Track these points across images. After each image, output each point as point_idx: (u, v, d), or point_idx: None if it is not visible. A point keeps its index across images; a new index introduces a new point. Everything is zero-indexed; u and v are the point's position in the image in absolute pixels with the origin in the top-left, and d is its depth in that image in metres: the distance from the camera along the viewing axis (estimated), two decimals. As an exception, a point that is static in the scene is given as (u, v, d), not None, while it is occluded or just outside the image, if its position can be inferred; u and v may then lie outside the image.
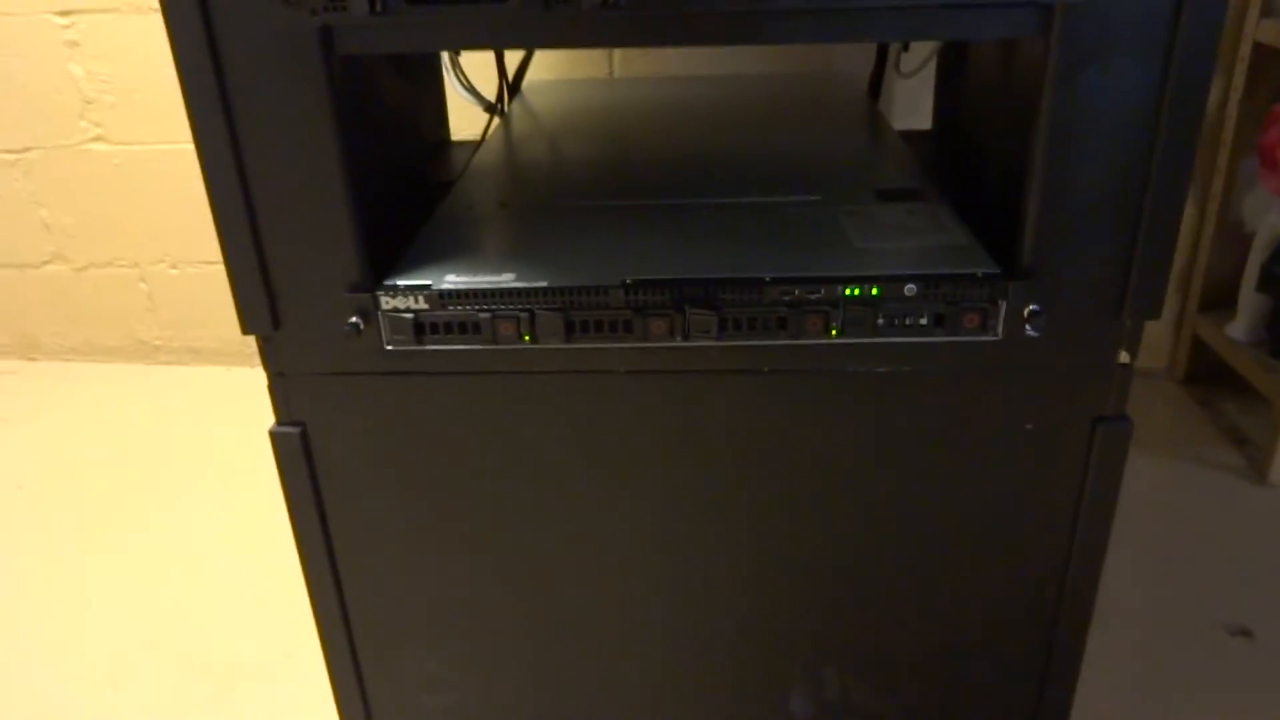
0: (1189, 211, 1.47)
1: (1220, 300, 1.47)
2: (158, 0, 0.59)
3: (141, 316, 1.72)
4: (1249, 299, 1.36)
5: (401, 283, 0.68)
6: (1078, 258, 0.65)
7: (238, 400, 1.59)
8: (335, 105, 0.62)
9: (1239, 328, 1.39)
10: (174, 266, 1.67)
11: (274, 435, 0.74)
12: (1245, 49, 1.32)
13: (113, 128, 1.56)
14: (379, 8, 0.56)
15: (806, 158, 0.93)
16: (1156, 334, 1.56)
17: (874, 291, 0.65)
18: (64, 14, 1.48)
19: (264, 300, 0.68)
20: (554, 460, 0.74)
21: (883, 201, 0.80)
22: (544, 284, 0.67)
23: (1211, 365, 1.50)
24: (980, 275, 0.66)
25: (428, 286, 0.67)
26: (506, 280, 0.68)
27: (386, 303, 0.68)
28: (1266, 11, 1.29)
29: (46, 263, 1.69)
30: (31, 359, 1.78)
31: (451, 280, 0.68)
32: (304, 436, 0.74)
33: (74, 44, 1.50)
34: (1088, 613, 0.78)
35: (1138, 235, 0.64)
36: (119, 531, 1.29)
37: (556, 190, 0.87)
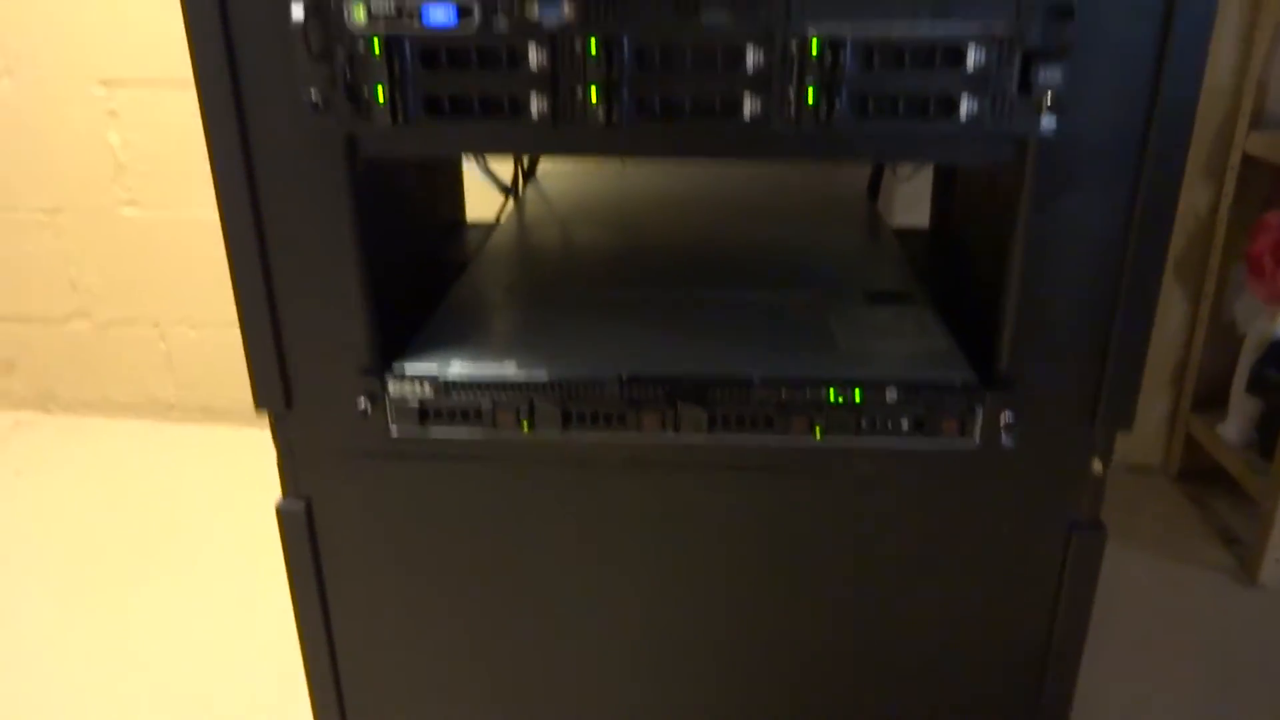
0: (1182, 311, 1.50)
1: (1213, 399, 1.49)
2: (198, 101, 0.64)
3: (159, 375, 1.76)
4: (1240, 400, 1.39)
5: (409, 369, 0.72)
6: (1052, 370, 0.68)
7: (246, 461, 1.62)
8: (356, 203, 0.66)
9: (1231, 428, 1.42)
10: (194, 327, 1.71)
11: (280, 509, 0.77)
12: (1235, 158, 1.37)
13: (143, 193, 1.62)
14: (401, 119, 0.61)
15: (803, 254, 0.97)
16: (1151, 431, 1.58)
17: (857, 396, 0.69)
18: (106, 84, 1.54)
19: (278, 379, 0.72)
20: (548, 543, 0.77)
21: (871, 304, 0.83)
22: (543, 376, 0.70)
23: (1205, 463, 1.52)
24: (959, 383, 0.69)
25: (433, 375, 0.71)
26: (508, 371, 0.71)
27: (394, 388, 0.71)
28: (1255, 124, 1.34)
29: (71, 319, 1.74)
30: (48, 412, 1.82)
31: (456, 369, 0.72)
32: (309, 511, 0.77)
33: (113, 113, 1.56)
34: (1065, 714, 0.80)
35: (1109, 349, 0.67)
36: (123, 588, 1.32)
37: (562, 277, 0.91)
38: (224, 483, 1.57)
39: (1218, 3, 0.57)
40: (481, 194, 1.18)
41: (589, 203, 1.17)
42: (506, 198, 1.20)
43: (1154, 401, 1.56)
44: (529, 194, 1.22)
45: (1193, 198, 1.43)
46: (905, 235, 1.07)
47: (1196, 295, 1.49)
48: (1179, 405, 1.55)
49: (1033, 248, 0.65)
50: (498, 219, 1.16)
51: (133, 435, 1.76)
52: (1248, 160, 1.35)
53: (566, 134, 0.61)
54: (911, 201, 1.32)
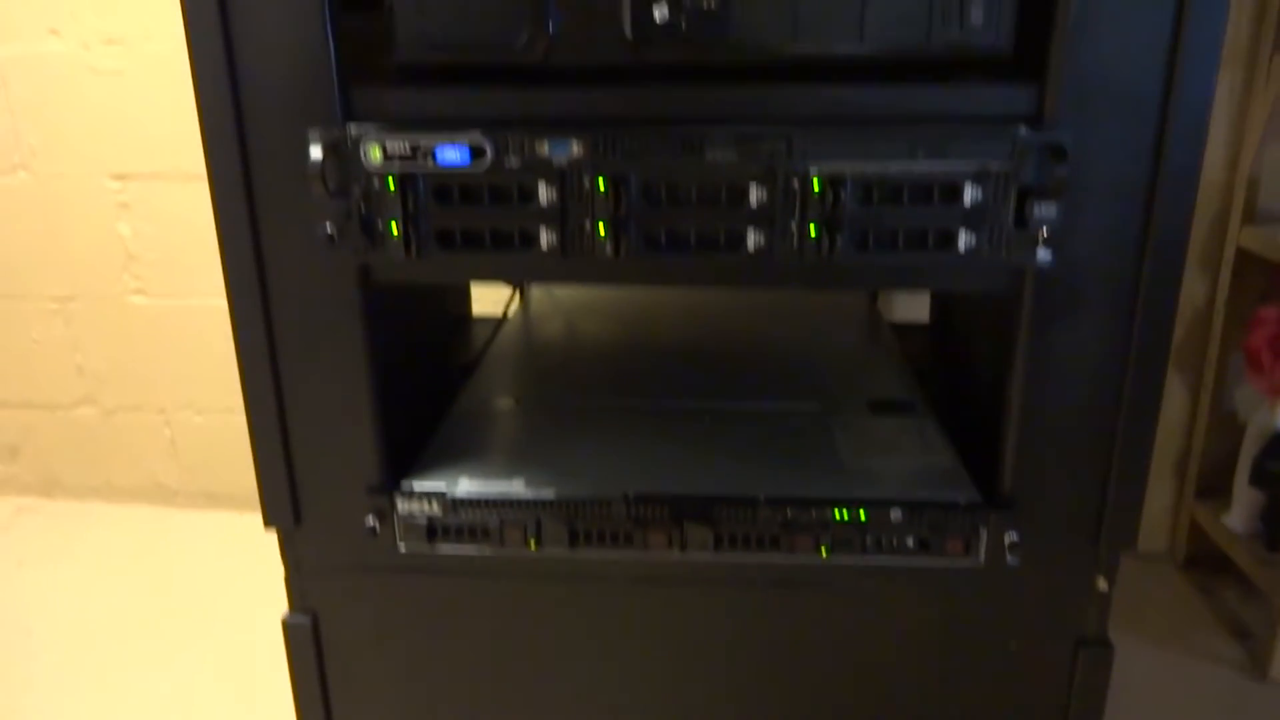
0: (1183, 400, 1.51)
1: (1218, 485, 1.49)
2: (216, 236, 0.66)
3: (163, 461, 1.77)
4: (1244, 491, 1.39)
5: (418, 486, 0.72)
6: (1055, 489, 0.69)
7: (248, 548, 1.62)
8: (368, 327, 0.67)
9: (1235, 518, 1.41)
10: (199, 413, 1.72)
11: (286, 623, 0.77)
12: (1229, 252, 1.39)
13: (153, 282, 1.64)
14: (414, 252, 0.63)
15: (805, 356, 0.98)
16: (1155, 518, 1.58)
17: (861, 516, 0.69)
18: (119, 178, 1.58)
19: (288, 497, 0.72)
20: (555, 657, 0.77)
21: (875, 414, 0.84)
22: (550, 495, 0.71)
23: (1211, 551, 1.51)
24: (962, 503, 0.69)
25: (441, 493, 0.72)
26: (515, 489, 0.72)
27: (402, 506, 0.72)
28: (1248, 218, 1.37)
29: (76, 406, 1.75)
30: (51, 497, 1.82)
31: (464, 487, 0.72)
32: (315, 625, 0.77)
33: (125, 205, 1.59)
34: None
35: (1110, 470, 0.68)
36: (125, 677, 1.31)
37: (568, 385, 0.92)
38: (227, 569, 1.57)
39: (1205, 146, 0.59)
40: (491, 288, 1.21)
41: (593, 301, 1.19)
42: (514, 293, 1.22)
43: (1158, 489, 1.56)
44: (535, 291, 1.24)
45: (1190, 289, 1.45)
46: (906, 331, 1.09)
47: (1197, 384, 1.50)
48: (1183, 492, 1.55)
49: (1032, 370, 0.66)
50: (504, 314, 1.18)
51: (136, 521, 1.75)
52: (1242, 254, 1.37)
53: (575, 265, 0.63)
54: (913, 297, 1.33)
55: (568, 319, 1.14)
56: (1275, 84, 1.30)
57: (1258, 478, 1.32)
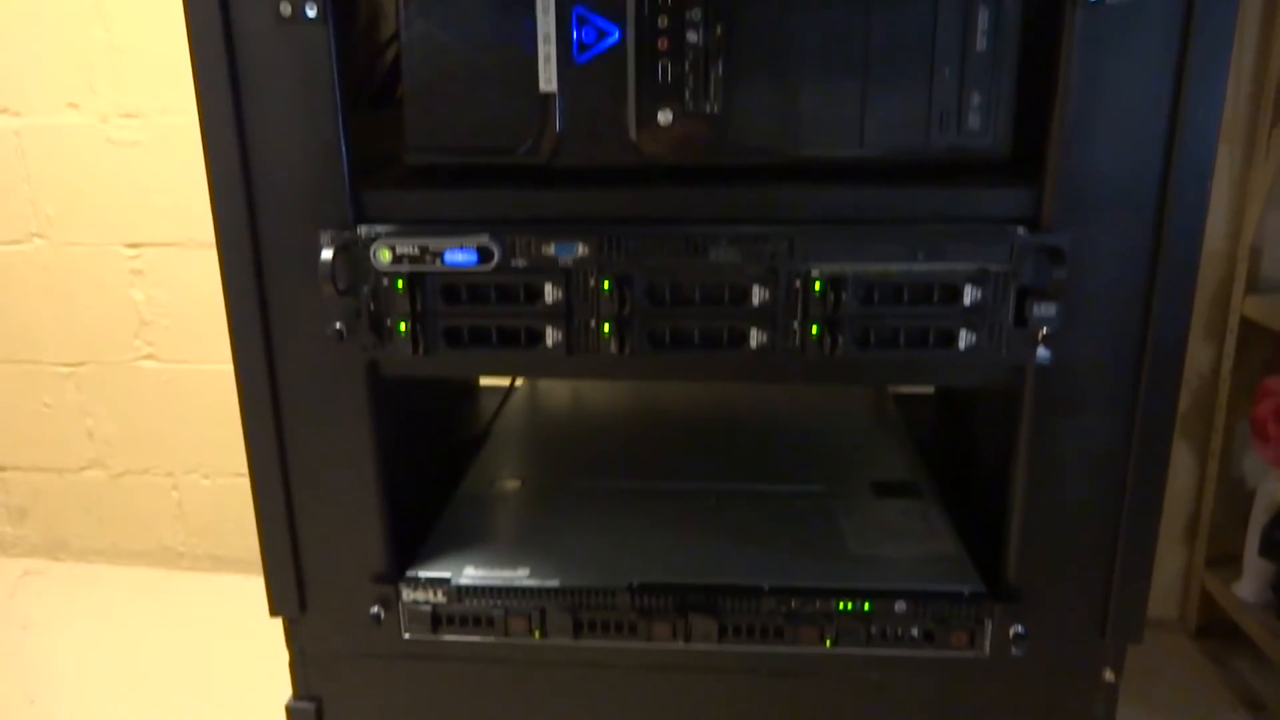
0: (1190, 467, 1.51)
1: (1227, 553, 1.48)
2: (227, 328, 0.67)
3: (170, 524, 1.77)
4: (1254, 561, 1.38)
5: (422, 575, 0.73)
6: (1060, 582, 0.69)
7: (254, 611, 1.61)
8: (375, 418, 0.68)
9: (1246, 588, 1.40)
10: (206, 476, 1.73)
11: (289, 710, 0.77)
12: (1234, 320, 1.39)
13: (164, 347, 1.66)
14: (422, 350, 0.64)
15: (810, 437, 0.98)
16: (1166, 585, 1.56)
17: (866, 607, 0.69)
18: (133, 246, 1.60)
19: (293, 587, 0.73)
20: (557, 746, 0.76)
21: (879, 496, 0.84)
22: (555, 583, 0.71)
23: (1223, 619, 1.49)
24: (967, 594, 0.69)
25: (446, 580, 0.72)
26: (520, 577, 0.72)
27: (407, 594, 0.72)
28: (1251, 287, 1.37)
29: (85, 469, 1.75)
30: (58, 559, 1.82)
31: (469, 575, 0.72)
32: (319, 713, 0.76)
33: (138, 272, 1.62)
34: None
35: (1115, 563, 0.68)
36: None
37: (573, 464, 0.93)
38: (232, 632, 1.56)
39: (1201, 247, 0.60)
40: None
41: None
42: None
43: (1168, 555, 1.55)
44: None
45: (1195, 356, 1.45)
46: (911, 401, 1.09)
47: (1204, 451, 1.49)
48: (1193, 560, 1.54)
49: (1034, 463, 0.67)
50: (511, 385, 1.18)
51: (141, 583, 1.75)
52: (1246, 322, 1.38)
53: (580, 362, 0.64)
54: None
55: (574, 390, 1.15)
56: (1275, 156, 1.31)
57: (1267, 548, 1.31)
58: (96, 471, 1.75)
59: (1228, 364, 1.42)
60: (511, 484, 0.89)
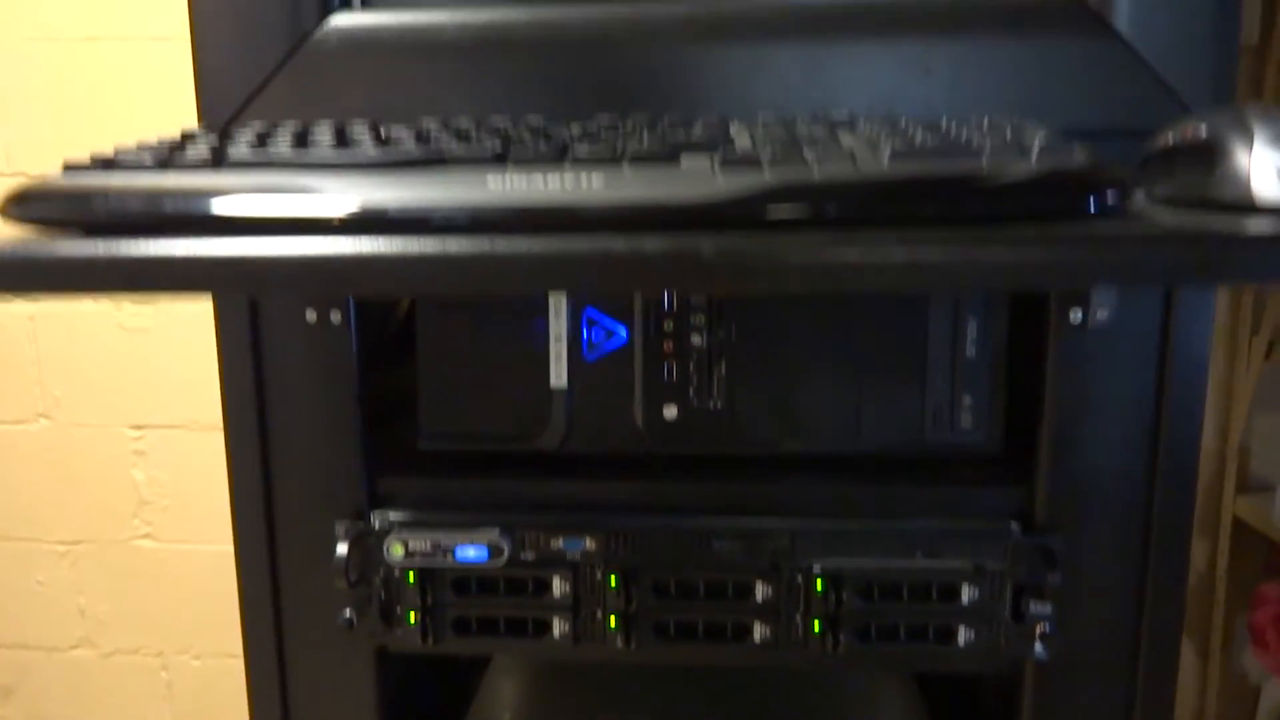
0: (1194, 664, 1.50)
1: (1235, 754, 1.46)
2: (237, 588, 0.68)
3: (157, 705, 1.74)
4: (1262, 767, 1.36)
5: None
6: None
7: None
8: (382, 698, 0.68)
9: (1255, 794, 1.38)
10: (197, 658, 1.70)
11: None
12: (1226, 519, 1.41)
13: (162, 527, 1.66)
14: (431, 639, 0.65)
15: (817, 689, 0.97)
16: (1173, 785, 1.53)
17: None
18: (137, 427, 1.62)
19: None
20: None
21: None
22: None
23: (1234, 823, 1.46)
24: None
25: None
26: None
27: None
28: (1242, 488, 1.39)
29: (74, 648, 1.73)
30: (41, 740, 1.78)
31: None
32: None
33: (140, 453, 1.63)
34: None
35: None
36: None
37: (572, 710, 0.92)
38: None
39: (1190, 553, 0.62)
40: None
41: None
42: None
43: (1173, 753, 1.52)
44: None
45: (1191, 554, 1.46)
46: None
47: (1205, 649, 1.49)
48: (1200, 761, 1.52)
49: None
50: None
51: (123, 770, 1.71)
52: (1239, 522, 1.39)
53: (586, 650, 0.65)
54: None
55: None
56: (1256, 363, 1.36)
57: (1274, 760, 1.30)
58: (86, 650, 1.73)
59: (1223, 563, 1.42)
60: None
